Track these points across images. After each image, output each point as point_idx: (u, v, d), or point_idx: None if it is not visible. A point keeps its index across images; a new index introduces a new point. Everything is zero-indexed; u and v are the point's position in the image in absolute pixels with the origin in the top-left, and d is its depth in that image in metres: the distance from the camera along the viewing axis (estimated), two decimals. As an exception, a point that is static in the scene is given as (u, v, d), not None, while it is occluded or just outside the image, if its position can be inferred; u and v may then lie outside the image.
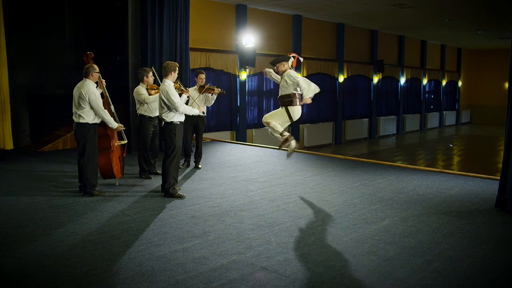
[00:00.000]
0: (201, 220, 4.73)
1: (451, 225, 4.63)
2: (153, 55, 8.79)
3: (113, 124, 5.77)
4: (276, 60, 5.82)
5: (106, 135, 5.93)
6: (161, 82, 5.67)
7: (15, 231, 4.38)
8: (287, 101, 5.70)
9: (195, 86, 7.27)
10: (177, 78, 5.87)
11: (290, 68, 5.83)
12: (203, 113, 7.05)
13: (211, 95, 7.22)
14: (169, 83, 5.53)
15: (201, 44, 11.59)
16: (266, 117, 5.81)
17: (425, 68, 21.87)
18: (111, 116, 5.91)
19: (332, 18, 15.19)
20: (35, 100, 9.88)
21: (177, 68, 5.65)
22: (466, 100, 26.57)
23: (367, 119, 18.48)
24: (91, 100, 5.46)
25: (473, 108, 26.95)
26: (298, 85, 5.58)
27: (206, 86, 7.04)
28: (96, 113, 5.55)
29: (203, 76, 7.23)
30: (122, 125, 5.99)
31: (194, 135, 7.51)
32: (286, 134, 5.75)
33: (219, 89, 7.21)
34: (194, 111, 6.03)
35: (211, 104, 7.37)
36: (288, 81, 5.62)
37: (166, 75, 5.56)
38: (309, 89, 5.59)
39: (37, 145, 9.46)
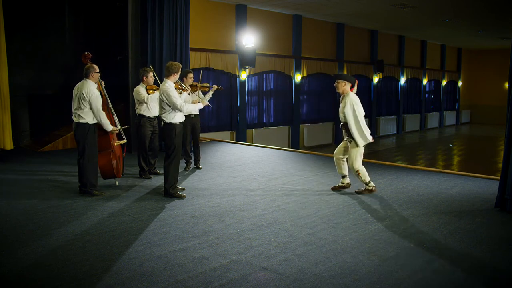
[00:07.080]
0: (201, 220, 4.73)
1: (451, 225, 4.63)
2: (153, 55, 8.79)
3: (109, 127, 5.77)
4: (342, 76, 5.85)
5: (106, 135, 5.93)
6: (161, 82, 5.63)
7: (15, 231, 4.37)
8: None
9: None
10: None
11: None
12: (208, 105, 6.93)
13: (208, 92, 7.18)
14: (170, 84, 5.47)
15: (201, 44, 11.59)
16: (354, 164, 5.72)
17: (425, 68, 21.87)
18: (110, 116, 5.98)
19: (332, 18, 15.19)
20: (35, 100, 9.87)
21: (181, 69, 5.60)
22: (466, 100, 26.57)
23: (367, 119, 18.43)
24: (91, 101, 5.46)
25: (473, 108, 26.95)
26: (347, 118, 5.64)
27: (199, 85, 6.87)
28: (94, 114, 5.56)
29: (191, 75, 7.01)
30: (117, 128, 6.04)
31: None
32: (372, 185, 5.87)
33: (216, 86, 7.12)
34: (198, 106, 6.01)
35: (207, 100, 7.32)
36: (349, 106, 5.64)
37: (168, 76, 5.50)
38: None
39: (37, 145, 9.45)
